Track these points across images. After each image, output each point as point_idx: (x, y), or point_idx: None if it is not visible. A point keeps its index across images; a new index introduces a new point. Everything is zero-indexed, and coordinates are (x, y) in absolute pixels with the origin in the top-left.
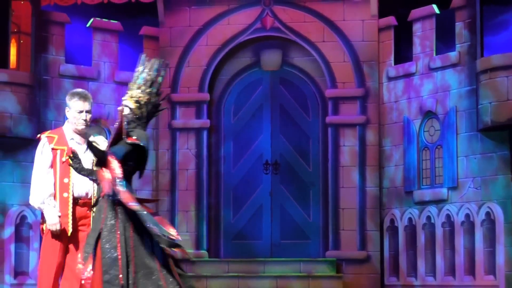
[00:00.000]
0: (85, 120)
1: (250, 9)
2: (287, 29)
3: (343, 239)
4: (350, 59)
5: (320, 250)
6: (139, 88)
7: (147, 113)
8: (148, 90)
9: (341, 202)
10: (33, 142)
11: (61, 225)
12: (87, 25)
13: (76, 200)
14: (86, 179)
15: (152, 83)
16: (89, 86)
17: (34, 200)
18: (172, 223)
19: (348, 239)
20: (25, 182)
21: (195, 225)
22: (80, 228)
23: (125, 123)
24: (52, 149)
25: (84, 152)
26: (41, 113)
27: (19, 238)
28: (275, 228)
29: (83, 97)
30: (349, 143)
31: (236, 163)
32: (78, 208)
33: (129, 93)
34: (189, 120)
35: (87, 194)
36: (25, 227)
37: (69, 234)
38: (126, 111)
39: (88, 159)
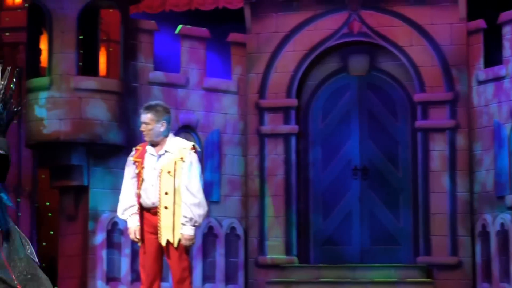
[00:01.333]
0: (143, 131)
1: (337, 14)
2: (375, 33)
3: (434, 245)
4: (439, 63)
5: (410, 255)
6: None
7: (6, 120)
8: (5, 98)
9: (432, 208)
10: (124, 149)
11: (138, 234)
12: (175, 32)
13: (147, 210)
14: (152, 189)
15: (5, 90)
16: (178, 93)
17: (118, 211)
18: (262, 229)
19: (439, 245)
20: (116, 188)
21: (285, 231)
22: (153, 236)
23: None
24: (134, 161)
25: (155, 163)
26: (130, 120)
27: (111, 244)
28: (365, 234)
29: (142, 109)
30: (439, 147)
31: (324, 169)
32: (150, 217)
33: None
34: (277, 126)
35: (153, 203)
36: (117, 233)
37: (139, 243)
38: None
39: (157, 170)
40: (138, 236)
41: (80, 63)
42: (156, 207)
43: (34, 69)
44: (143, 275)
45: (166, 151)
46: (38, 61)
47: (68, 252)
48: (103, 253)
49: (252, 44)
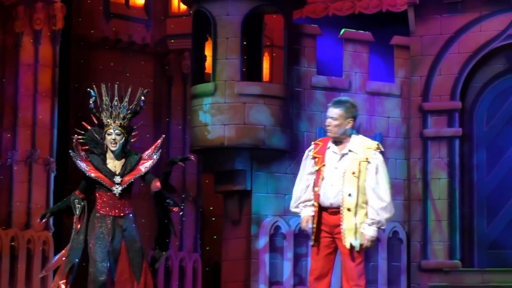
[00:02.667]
0: (327, 126)
1: (503, 15)
2: None
3: None
4: None
5: None
6: (124, 117)
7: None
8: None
9: None
10: (286, 154)
11: (310, 223)
12: (339, 36)
13: (324, 209)
14: (332, 189)
15: (132, 109)
16: (340, 97)
17: (291, 204)
18: (424, 232)
19: None
20: (279, 193)
21: (448, 235)
22: (335, 236)
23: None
24: (314, 156)
25: (337, 162)
26: (293, 125)
27: (273, 248)
28: None
29: (332, 104)
30: None
31: (489, 172)
32: (327, 217)
33: (117, 122)
34: (441, 129)
35: (331, 204)
36: (279, 237)
37: (312, 242)
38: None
39: (340, 170)
40: (310, 225)
41: (244, 69)
42: (334, 208)
43: (199, 75)
44: (313, 274)
45: (349, 151)
46: (202, 67)
47: (231, 256)
48: (266, 257)
49: (416, 46)
